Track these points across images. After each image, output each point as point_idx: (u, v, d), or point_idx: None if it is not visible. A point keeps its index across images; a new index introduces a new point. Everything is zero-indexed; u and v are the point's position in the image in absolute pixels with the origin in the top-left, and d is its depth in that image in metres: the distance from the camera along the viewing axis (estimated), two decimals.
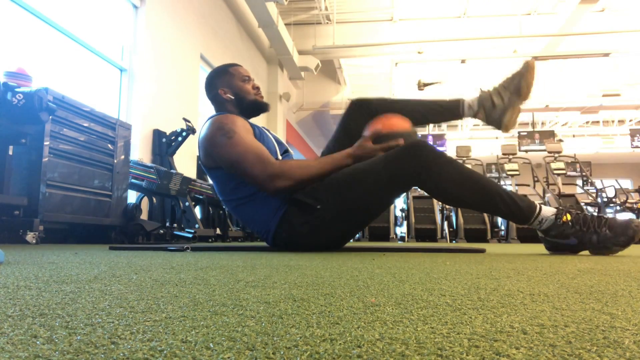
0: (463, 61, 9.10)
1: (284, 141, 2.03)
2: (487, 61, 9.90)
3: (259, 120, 2.11)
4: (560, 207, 1.70)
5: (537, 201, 1.77)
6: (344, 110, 1.96)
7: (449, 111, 1.90)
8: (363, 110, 1.90)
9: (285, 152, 1.97)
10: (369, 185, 1.69)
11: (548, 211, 1.67)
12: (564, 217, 1.65)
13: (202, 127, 1.88)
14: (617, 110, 13.07)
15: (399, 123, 1.78)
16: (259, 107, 1.99)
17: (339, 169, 1.74)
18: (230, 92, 1.95)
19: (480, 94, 1.88)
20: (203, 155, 1.86)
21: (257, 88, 2.00)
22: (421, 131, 12.80)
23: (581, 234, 1.64)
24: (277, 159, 1.86)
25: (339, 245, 1.96)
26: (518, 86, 1.80)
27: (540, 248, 3.21)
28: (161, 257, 1.37)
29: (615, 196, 7.75)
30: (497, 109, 1.82)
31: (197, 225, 4.37)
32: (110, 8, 4.70)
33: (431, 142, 11.92)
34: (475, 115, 1.87)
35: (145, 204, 4.44)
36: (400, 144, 1.68)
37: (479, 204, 1.68)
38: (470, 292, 0.61)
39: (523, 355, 0.30)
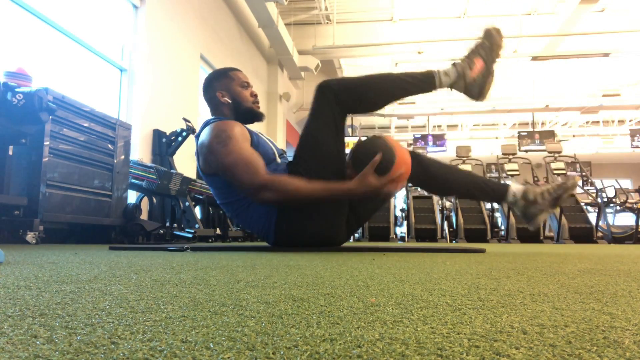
0: None
1: (283, 142, 2.02)
2: None
3: (257, 126, 2.11)
4: None
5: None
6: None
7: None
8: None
9: (281, 154, 1.98)
10: (320, 137, 1.78)
11: (444, 67, 1.81)
12: (458, 61, 1.81)
13: (201, 133, 1.88)
14: (617, 110, 13.07)
15: (401, 151, 1.76)
16: (254, 116, 1.99)
17: (338, 199, 1.74)
18: (228, 95, 1.95)
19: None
20: (202, 161, 1.86)
21: (255, 96, 2.00)
22: (420, 130, 12.81)
23: (477, 54, 1.79)
24: (275, 161, 1.87)
25: (340, 236, 1.94)
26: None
27: (540, 248, 3.21)
28: (161, 257, 1.37)
29: (615, 196, 7.75)
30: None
31: (197, 225, 4.37)
32: (110, 8, 4.70)
33: (431, 142, 11.94)
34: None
35: (145, 204, 4.44)
36: (403, 174, 1.70)
37: (391, 92, 1.82)
38: (470, 292, 0.61)
39: (523, 355, 0.30)
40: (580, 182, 8.94)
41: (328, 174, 1.74)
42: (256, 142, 1.85)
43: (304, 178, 1.72)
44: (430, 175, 1.86)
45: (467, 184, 1.87)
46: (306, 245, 1.84)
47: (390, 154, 1.67)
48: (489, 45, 1.79)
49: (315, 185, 1.69)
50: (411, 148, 8.40)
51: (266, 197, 1.70)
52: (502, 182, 1.98)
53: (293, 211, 1.78)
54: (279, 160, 1.90)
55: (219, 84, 1.96)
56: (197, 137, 1.90)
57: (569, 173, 9.28)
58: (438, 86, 1.80)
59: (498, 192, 1.85)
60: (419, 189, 9.55)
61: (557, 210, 7.06)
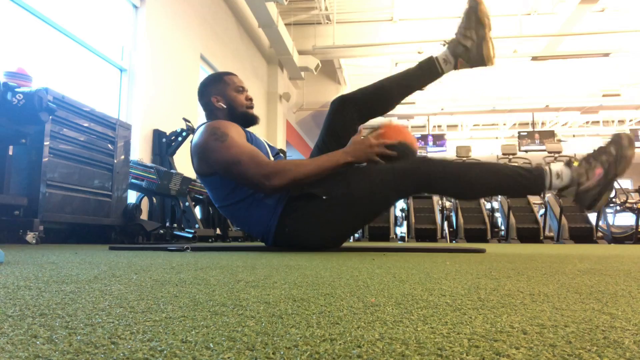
0: None
1: (283, 142, 2.02)
2: None
3: (256, 126, 2.11)
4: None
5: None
6: (329, 110, 1.91)
7: (428, 72, 1.84)
8: (347, 107, 1.87)
9: (276, 154, 1.98)
10: (376, 183, 1.72)
11: (556, 165, 1.62)
12: (575, 162, 1.59)
13: (194, 134, 1.87)
14: (617, 110, 13.07)
15: (397, 134, 1.78)
16: (249, 120, 1.99)
17: (336, 168, 1.73)
18: (222, 100, 1.94)
19: (447, 46, 1.83)
20: (197, 162, 1.85)
21: (250, 100, 2.00)
22: (420, 130, 12.81)
23: (598, 162, 1.56)
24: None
25: (340, 241, 1.95)
26: (478, 19, 1.78)
27: (540, 248, 3.21)
28: (161, 257, 1.37)
29: (615, 196, 7.74)
30: (470, 48, 1.78)
31: (197, 225, 4.37)
32: (110, 8, 4.70)
33: (431, 142, 11.94)
34: (456, 67, 1.81)
35: (145, 204, 4.44)
36: (392, 154, 1.71)
37: (495, 186, 1.67)
38: (470, 292, 0.61)
39: (523, 355, 0.30)
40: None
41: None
42: (250, 140, 1.85)
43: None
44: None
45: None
46: (305, 248, 1.84)
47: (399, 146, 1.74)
48: (614, 154, 1.56)
49: (314, 160, 1.72)
50: None
51: (277, 183, 1.68)
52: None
53: (299, 217, 1.77)
54: (272, 159, 1.90)
55: (214, 89, 1.96)
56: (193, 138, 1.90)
57: None
58: (548, 188, 1.60)
59: (430, 69, 1.81)
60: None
61: (557, 210, 7.07)
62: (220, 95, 1.94)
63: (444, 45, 1.82)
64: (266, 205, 1.80)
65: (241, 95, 1.97)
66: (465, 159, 8.20)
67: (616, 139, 1.58)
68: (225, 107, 1.94)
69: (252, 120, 1.99)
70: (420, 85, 1.88)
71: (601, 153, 1.58)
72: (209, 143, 1.76)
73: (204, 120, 2.01)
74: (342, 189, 1.73)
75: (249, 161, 1.70)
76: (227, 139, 1.74)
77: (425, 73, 1.85)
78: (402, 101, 1.99)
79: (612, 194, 7.77)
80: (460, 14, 1.81)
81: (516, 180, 1.62)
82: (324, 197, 1.72)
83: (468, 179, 1.66)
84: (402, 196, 1.90)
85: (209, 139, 1.76)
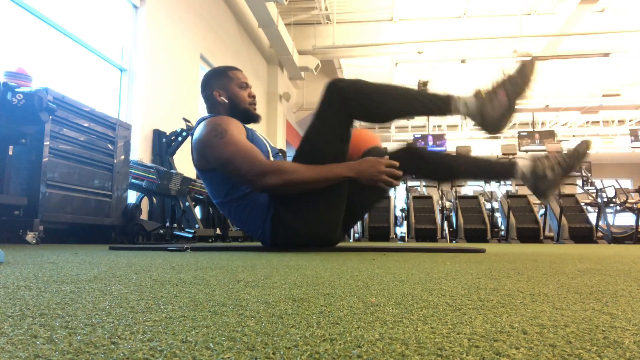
0: (463, 61, 9.10)
1: (283, 141, 2.02)
2: (487, 61, 9.90)
3: (256, 125, 2.11)
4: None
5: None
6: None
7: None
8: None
9: (276, 154, 1.97)
10: (321, 143, 1.73)
11: (465, 95, 1.67)
12: (482, 92, 1.65)
13: (195, 129, 1.87)
14: (617, 110, 13.07)
15: (372, 139, 1.82)
16: (250, 117, 1.97)
17: (335, 181, 1.68)
18: (225, 95, 1.93)
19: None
20: (197, 157, 1.85)
21: (253, 97, 1.98)
22: (420, 130, 12.81)
23: (501, 87, 1.63)
24: (268, 159, 1.87)
25: (334, 234, 1.91)
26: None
27: (540, 248, 3.21)
28: (161, 257, 1.37)
29: (615, 196, 7.75)
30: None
31: (197, 225, 4.37)
32: (110, 8, 4.70)
33: (431, 142, 11.95)
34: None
35: (145, 204, 4.44)
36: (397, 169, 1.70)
37: (403, 106, 1.70)
38: (470, 292, 0.61)
39: (523, 355, 0.30)
40: (580, 182, 8.94)
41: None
42: (251, 137, 1.85)
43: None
44: (432, 165, 1.81)
45: (470, 166, 1.81)
46: (302, 245, 1.83)
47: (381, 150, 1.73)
48: (518, 80, 1.63)
49: (315, 168, 1.68)
50: None
51: (270, 182, 1.66)
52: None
53: (289, 211, 1.76)
54: (272, 159, 1.90)
55: (217, 83, 1.94)
56: (192, 134, 1.89)
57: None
58: (453, 112, 1.69)
59: (505, 171, 1.79)
60: (419, 188, 9.58)
61: (557, 210, 7.07)
62: (223, 90, 1.93)
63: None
64: (261, 206, 1.81)
65: (244, 91, 1.96)
66: None
67: (521, 68, 1.64)
68: (227, 101, 1.92)
69: (253, 118, 1.98)
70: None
71: (505, 81, 1.64)
72: (209, 139, 1.75)
73: (203, 117, 2.00)
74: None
75: (244, 158, 1.69)
76: (226, 135, 1.73)
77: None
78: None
79: (612, 194, 7.78)
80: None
81: (424, 104, 1.70)
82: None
83: (377, 98, 1.70)
84: (344, 131, 1.82)
85: (209, 135, 1.76)
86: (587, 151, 1.74)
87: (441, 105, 1.68)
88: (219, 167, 1.78)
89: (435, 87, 10.04)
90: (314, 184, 1.68)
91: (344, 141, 1.77)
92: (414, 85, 1.85)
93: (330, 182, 1.69)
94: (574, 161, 1.67)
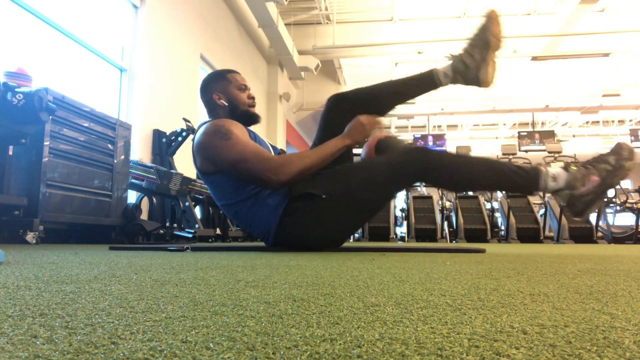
0: None
1: (283, 142, 2.04)
2: None
3: (256, 126, 2.11)
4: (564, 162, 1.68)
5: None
6: (324, 107, 1.94)
7: (425, 83, 1.86)
8: (342, 105, 1.90)
9: (278, 154, 1.98)
10: (373, 178, 1.73)
11: (554, 168, 1.61)
12: (572, 167, 1.57)
13: (196, 133, 1.87)
14: (617, 110, 13.07)
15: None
16: (251, 118, 1.98)
17: (337, 153, 1.78)
18: (224, 98, 1.94)
19: (451, 61, 1.84)
20: (200, 161, 1.85)
21: (252, 98, 2.00)
22: (421, 130, 12.79)
23: (596, 169, 1.53)
24: None
25: (341, 240, 1.96)
26: (485, 39, 1.77)
27: (540, 248, 3.21)
28: (161, 257, 1.37)
29: (615, 196, 7.74)
30: (470, 68, 1.78)
31: (197, 225, 4.37)
32: (110, 8, 4.70)
33: (431, 142, 11.95)
34: (453, 81, 1.82)
35: (145, 204, 4.44)
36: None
37: (490, 181, 1.65)
38: (470, 292, 0.61)
39: (523, 355, 0.30)
40: None
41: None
42: (253, 138, 1.86)
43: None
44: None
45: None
46: (305, 248, 1.83)
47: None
48: (613, 164, 1.52)
49: (315, 150, 1.79)
50: None
51: (284, 177, 1.70)
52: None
53: (295, 216, 1.76)
54: None
55: (216, 86, 1.95)
56: (194, 139, 1.90)
57: None
58: (542, 190, 1.59)
59: (428, 80, 1.82)
60: (419, 189, 9.58)
61: (557, 210, 7.07)
62: (223, 93, 1.94)
63: (449, 59, 1.81)
64: (268, 205, 1.81)
65: (243, 93, 1.97)
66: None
67: (617, 150, 1.55)
68: (226, 104, 1.94)
69: (254, 118, 1.99)
70: (415, 94, 1.90)
71: (600, 161, 1.55)
72: (213, 142, 1.76)
73: (206, 118, 2.00)
74: (341, 187, 1.73)
75: (255, 157, 1.71)
76: (231, 136, 1.74)
77: (423, 83, 1.86)
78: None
79: (612, 194, 7.78)
80: (475, 28, 1.80)
81: (511, 178, 1.61)
82: (324, 196, 1.72)
83: (462, 172, 1.65)
84: (400, 189, 1.92)
85: (213, 138, 1.76)
86: (492, 18, 1.75)
87: (531, 180, 1.59)
88: (228, 168, 1.78)
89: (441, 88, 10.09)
90: (321, 164, 1.77)
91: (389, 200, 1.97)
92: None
93: (332, 156, 1.78)
94: (485, 33, 1.72)
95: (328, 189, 1.73)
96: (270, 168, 1.69)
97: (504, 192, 1.74)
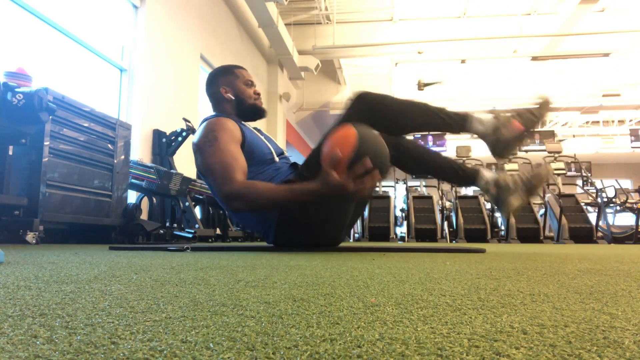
0: (463, 61, 9.11)
1: (283, 142, 2.01)
2: (487, 61, 9.90)
3: (257, 125, 2.11)
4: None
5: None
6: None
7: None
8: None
9: (281, 154, 1.97)
10: None
11: (483, 114, 1.75)
12: (501, 115, 1.74)
13: (197, 130, 1.89)
14: (617, 110, 13.07)
15: (350, 141, 1.51)
16: (257, 113, 2.00)
17: (302, 202, 1.65)
18: (231, 92, 1.96)
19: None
20: (196, 161, 1.87)
21: (258, 94, 2.02)
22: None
23: (522, 119, 1.72)
24: (272, 160, 1.87)
25: (340, 235, 1.95)
26: (532, 186, 1.74)
27: (540, 248, 3.21)
28: (161, 257, 1.37)
29: (615, 196, 7.75)
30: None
31: (197, 225, 4.37)
32: (110, 8, 4.70)
33: (431, 142, 11.95)
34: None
35: (145, 204, 4.44)
36: (368, 166, 1.47)
37: (425, 119, 1.77)
38: (470, 292, 0.61)
39: (523, 355, 0.30)
40: (580, 182, 8.93)
41: None
42: (250, 141, 1.83)
43: (275, 182, 1.73)
44: (407, 156, 1.82)
45: (441, 165, 1.87)
46: (305, 245, 1.84)
47: (361, 149, 1.49)
48: (535, 116, 1.73)
49: (279, 189, 1.65)
50: None
51: (235, 207, 1.69)
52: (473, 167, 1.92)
53: (295, 213, 1.77)
54: (277, 159, 1.89)
55: (224, 80, 1.97)
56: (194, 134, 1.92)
57: (569, 173, 9.28)
58: (470, 130, 1.76)
59: (470, 176, 1.84)
60: (419, 189, 9.58)
61: (557, 210, 7.07)
62: (229, 87, 1.96)
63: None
64: (238, 212, 1.83)
65: (250, 89, 2.00)
66: (464, 159, 8.21)
67: (543, 105, 1.75)
68: (233, 98, 1.96)
69: (260, 112, 2.01)
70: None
71: (525, 113, 1.74)
72: (200, 145, 1.78)
73: (206, 117, 2.00)
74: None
75: (220, 174, 1.69)
76: (214, 143, 1.73)
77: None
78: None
79: (612, 194, 7.78)
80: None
81: (443, 119, 1.77)
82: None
83: (402, 109, 1.75)
84: None
85: (202, 140, 1.78)
86: (548, 175, 1.82)
87: (460, 121, 1.76)
88: (204, 174, 1.81)
89: (441, 88, 10.00)
90: (278, 205, 1.71)
91: None
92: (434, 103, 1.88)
93: (294, 203, 1.67)
94: (537, 182, 1.74)
95: (309, 177, 1.70)
96: (227, 193, 1.66)
97: (436, 130, 1.83)
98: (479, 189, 1.85)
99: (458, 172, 1.86)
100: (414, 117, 1.78)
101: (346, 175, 1.48)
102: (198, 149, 1.79)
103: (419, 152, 1.88)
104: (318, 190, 1.54)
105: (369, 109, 1.73)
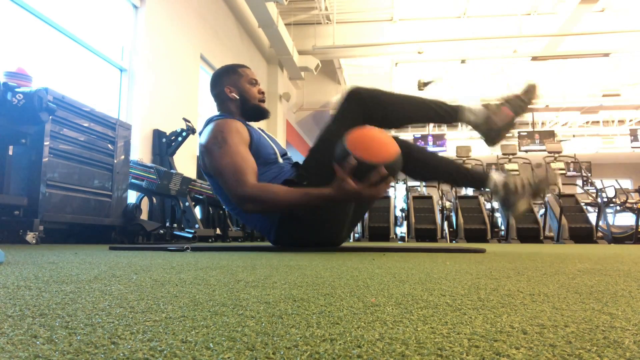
0: (463, 61, 9.11)
1: (283, 142, 2.01)
2: (487, 61, 9.91)
3: (258, 125, 2.11)
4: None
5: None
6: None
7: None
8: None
9: (284, 154, 1.97)
10: (334, 144, 1.63)
11: (474, 105, 1.79)
12: (491, 103, 1.77)
13: (203, 131, 1.88)
14: (617, 110, 13.07)
15: (381, 148, 1.51)
16: (261, 113, 2.00)
17: (315, 206, 1.66)
18: (236, 91, 1.96)
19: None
20: (203, 162, 1.87)
21: (262, 93, 2.02)
22: (421, 130, 12.81)
23: (512, 107, 1.75)
24: (276, 160, 1.87)
25: (342, 236, 1.95)
26: (539, 189, 1.77)
27: (540, 248, 3.21)
28: (161, 257, 1.37)
29: (615, 196, 7.75)
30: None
31: (197, 225, 4.37)
32: (110, 8, 4.70)
33: (431, 142, 11.95)
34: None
35: (145, 204, 4.44)
36: (384, 175, 1.47)
37: (419, 111, 1.79)
38: (470, 292, 0.61)
39: (523, 355, 0.30)
40: (580, 182, 8.94)
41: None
42: (257, 143, 1.84)
43: (290, 185, 1.71)
44: (415, 162, 1.82)
45: (450, 170, 1.88)
46: (307, 245, 1.84)
47: (370, 156, 1.48)
48: (524, 101, 1.76)
49: (294, 192, 1.63)
50: None
51: (248, 209, 1.70)
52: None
53: (297, 212, 1.77)
54: (281, 160, 1.90)
55: (228, 80, 1.97)
56: (201, 134, 1.91)
57: (569, 173, 9.28)
58: (462, 120, 1.78)
59: (480, 179, 1.85)
60: (419, 189, 9.58)
61: (557, 210, 7.07)
62: (234, 86, 1.96)
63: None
64: (252, 213, 1.83)
65: (254, 88, 1.99)
66: (464, 159, 8.21)
67: (530, 90, 1.78)
68: (237, 98, 1.96)
69: (264, 113, 2.02)
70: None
71: (514, 99, 1.77)
72: (209, 146, 1.78)
73: (209, 115, 2.01)
74: (317, 168, 1.72)
75: (232, 176, 1.69)
76: (224, 145, 1.74)
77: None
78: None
79: (612, 194, 7.78)
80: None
81: (435, 110, 1.78)
82: (305, 183, 1.71)
83: (395, 104, 1.77)
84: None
85: (210, 142, 1.78)
86: (555, 180, 1.84)
87: (452, 113, 1.78)
88: (214, 176, 1.81)
89: (440, 86, 9.99)
90: (291, 208, 1.71)
91: None
92: (424, 95, 1.90)
93: (308, 207, 1.67)
94: (544, 185, 1.76)
95: (306, 176, 1.74)
96: (240, 195, 1.66)
97: (430, 122, 1.88)
98: (488, 190, 1.87)
99: (467, 177, 1.87)
100: (406, 109, 1.79)
101: (360, 184, 1.48)
102: (207, 150, 1.78)
103: (427, 159, 1.89)
104: (334, 196, 1.54)
105: (362, 104, 1.73)
